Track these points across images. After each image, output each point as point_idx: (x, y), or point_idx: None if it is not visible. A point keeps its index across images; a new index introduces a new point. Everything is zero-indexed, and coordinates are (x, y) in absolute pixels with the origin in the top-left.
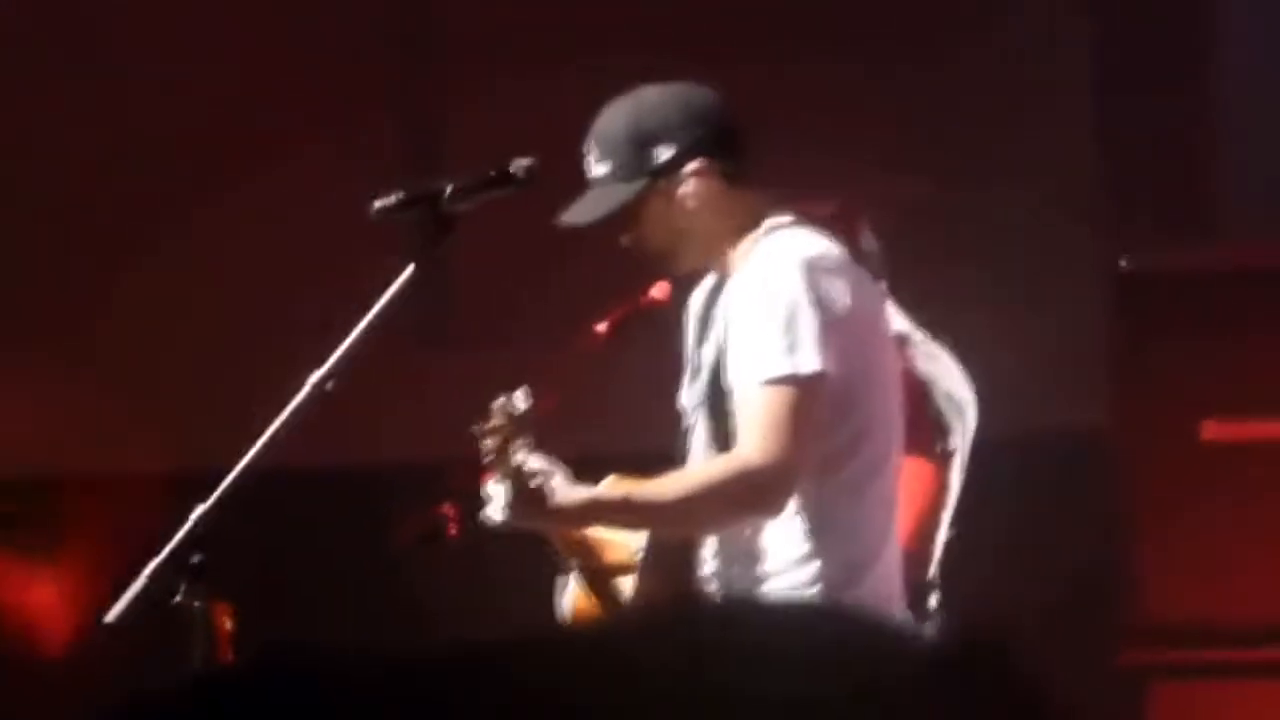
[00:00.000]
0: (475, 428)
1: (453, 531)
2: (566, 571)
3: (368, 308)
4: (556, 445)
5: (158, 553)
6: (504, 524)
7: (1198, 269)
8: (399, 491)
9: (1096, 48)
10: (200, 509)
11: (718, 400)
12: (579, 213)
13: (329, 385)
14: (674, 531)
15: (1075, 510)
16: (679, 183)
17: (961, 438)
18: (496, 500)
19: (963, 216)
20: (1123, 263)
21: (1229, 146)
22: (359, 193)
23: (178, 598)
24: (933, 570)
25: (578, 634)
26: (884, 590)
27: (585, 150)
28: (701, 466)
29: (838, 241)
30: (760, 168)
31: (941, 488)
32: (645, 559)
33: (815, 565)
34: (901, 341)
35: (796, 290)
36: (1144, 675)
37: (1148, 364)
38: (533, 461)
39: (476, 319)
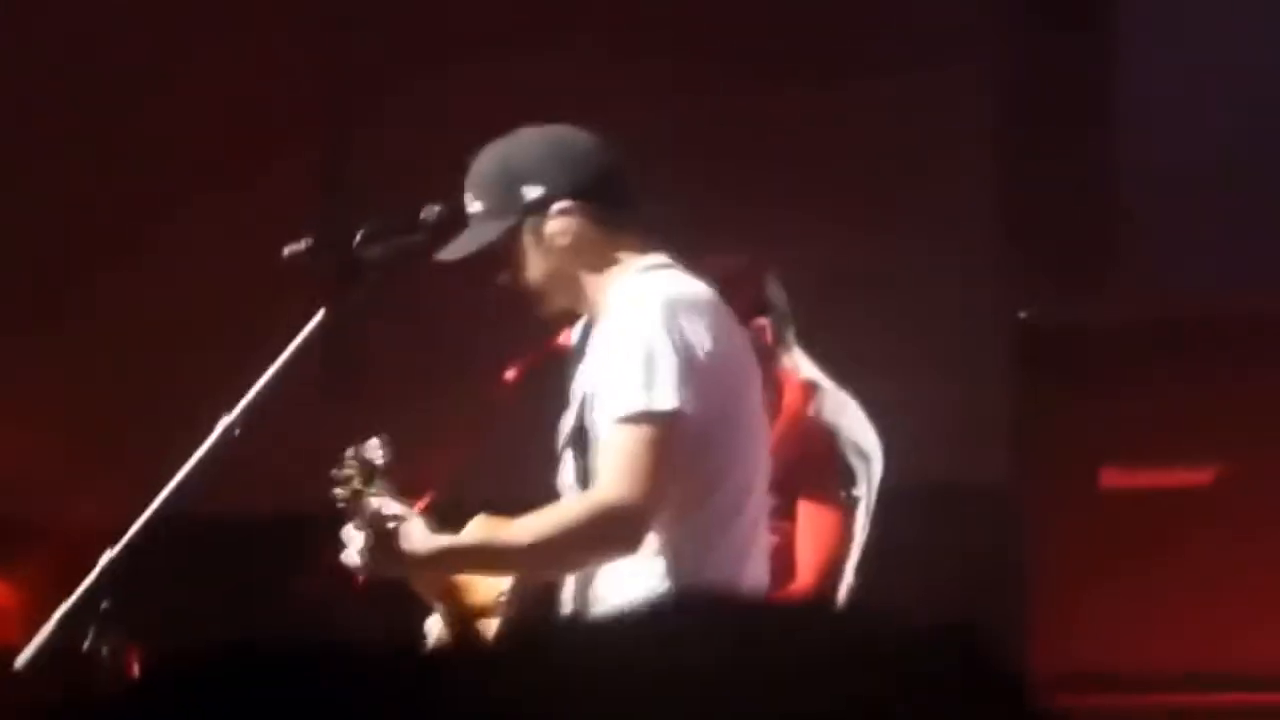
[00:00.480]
0: (333, 472)
1: (359, 581)
2: (432, 613)
3: (279, 352)
4: (467, 490)
5: (66, 599)
6: (361, 570)
7: (1096, 320)
8: (306, 539)
9: (997, 96)
10: (109, 554)
11: (581, 438)
12: (453, 249)
13: (237, 431)
14: (534, 574)
15: (975, 561)
16: (547, 222)
17: (867, 486)
18: (353, 546)
19: (863, 269)
20: (1022, 314)
21: (1130, 197)
22: (272, 232)
23: (87, 644)
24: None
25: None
26: None
27: (465, 189)
28: (558, 507)
29: (711, 284)
30: (658, 215)
31: (845, 534)
32: (509, 601)
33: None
34: (810, 390)
35: (655, 329)
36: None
37: (1048, 415)
38: (390, 507)
39: (387, 373)
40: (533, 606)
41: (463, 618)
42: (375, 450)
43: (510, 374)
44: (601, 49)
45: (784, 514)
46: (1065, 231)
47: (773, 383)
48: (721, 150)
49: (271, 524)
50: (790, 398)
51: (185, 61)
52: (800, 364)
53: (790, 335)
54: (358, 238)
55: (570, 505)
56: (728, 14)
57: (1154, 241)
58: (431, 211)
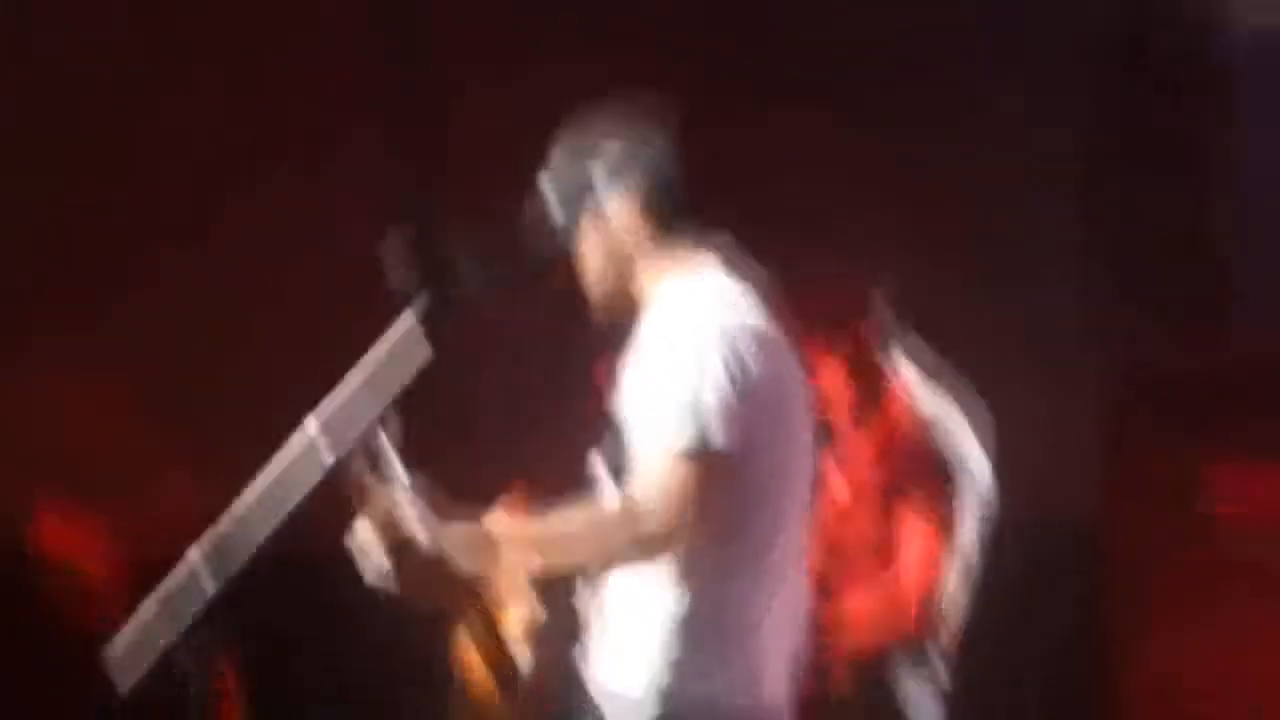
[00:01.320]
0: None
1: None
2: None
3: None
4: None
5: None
6: (386, 585)
7: (1202, 365)
8: None
9: (1108, 140)
10: (198, 547)
11: (617, 452)
12: (531, 268)
13: (329, 436)
14: (550, 564)
15: (1070, 600)
16: (611, 209)
17: (973, 494)
18: (371, 558)
19: (968, 304)
20: (1129, 359)
21: (1238, 243)
22: (355, 232)
23: (180, 654)
24: (936, 618)
25: None
26: (746, 667)
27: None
28: (594, 513)
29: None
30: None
31: (946, 537)
32: (541, 634)
33: (684, 632)
34: (915, 396)
35: (710, 359)
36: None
37: (1147, 459)
38: (404, 506)
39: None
40: (555, 604)
41: (493, 634)
42: (385, 441)
43: (600, 378)
44: (680, 38)
45: (886, 519)
46: (1173, 277)
47: (879, 388)
48: (838, 182)
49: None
50: (896, 403)
51: (254, 44)
52: (907, 371)
53: (896, 346)
54: (459, 272)
55: (604, 516)
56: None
57: (1261, 288)
58: (537, 260)
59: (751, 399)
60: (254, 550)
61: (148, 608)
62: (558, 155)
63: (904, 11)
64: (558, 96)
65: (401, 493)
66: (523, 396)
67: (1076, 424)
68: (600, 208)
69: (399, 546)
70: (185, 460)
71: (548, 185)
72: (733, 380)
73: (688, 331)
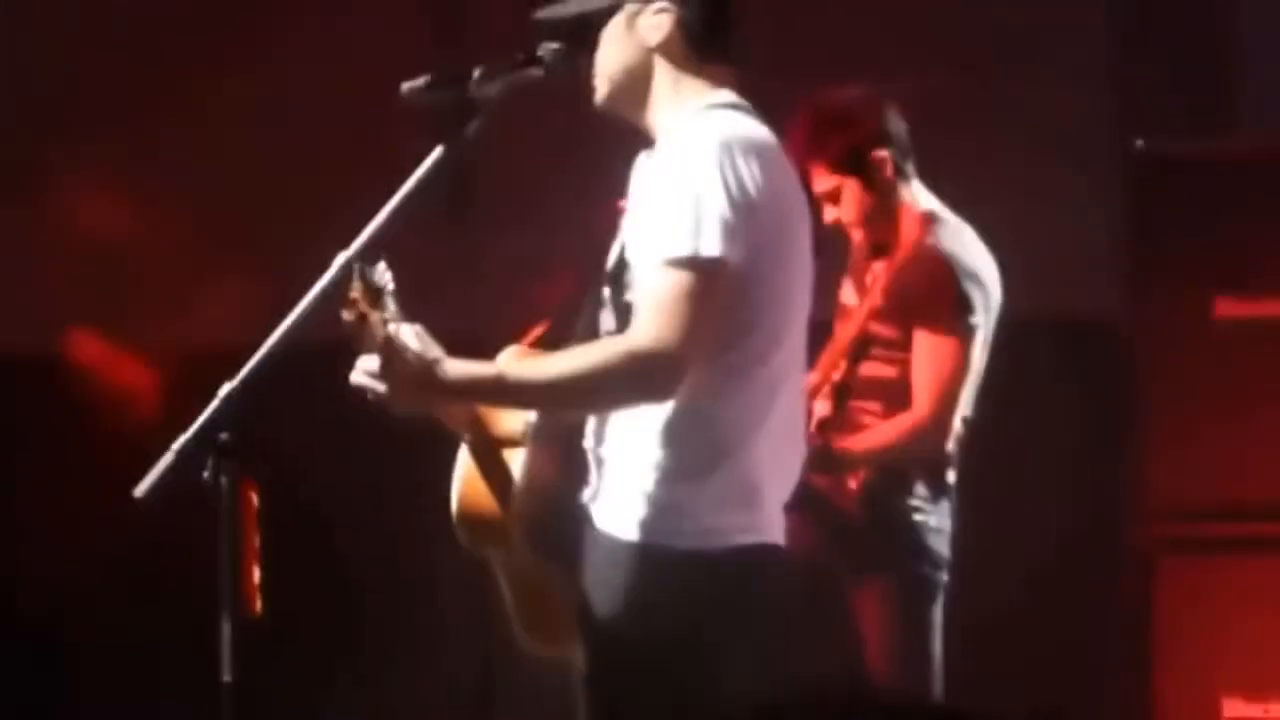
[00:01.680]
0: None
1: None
2: (455, 441)
3: (395, 188)
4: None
5: (185, 430)
6: (384, 404)
7: (1214, 153)
8: None
9: None
10: (228, 386)
11: (620, 274)
12: (554, 9)
13: (356, 266)
14: (558, 412)
15: (1087, 394)
16: (645, 14)
17: (985, 314)
18: (370, 374)
19: (974, 102)
20: (1138, 144)
21: (1250, 26)
22: (386, 69)
23: (205, 474)
24: (950, 445)
25: None
26: (742, 485)
27: None
28: (593, 346)
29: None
30: (774, 52)
31: (963, 362)
32: (535, 433)
33: (671, 451)
34: (927, 220)
35: (708, 170)
36: (1154, 551)
37: (1162, 246)
38: (406, 335)
39: (500, 200)
40: (558, 441)
41: (487, 446)
42: (383, 273)
43: (623, 203)
44: None
45: (902, 344)
46: (1183, 61)
47: (891, 214)
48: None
49: None
50: (908, 228)
51: None
52: (918, 195)
53: (909, 167)
54: (475, 75)
55: (605, 346)
56: None
57: (1274, 74)
58: (548, 49)
59: (751, 213)
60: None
61: (175, 448)
62: None
63: None
64: None
65: (399, 323)
66: (539, 233)
67: (1094, 214)
68: (640, 9)
69: (395, 361)
70: (219, 289)
71: None
72: (735, 189)
73: (690, 146)
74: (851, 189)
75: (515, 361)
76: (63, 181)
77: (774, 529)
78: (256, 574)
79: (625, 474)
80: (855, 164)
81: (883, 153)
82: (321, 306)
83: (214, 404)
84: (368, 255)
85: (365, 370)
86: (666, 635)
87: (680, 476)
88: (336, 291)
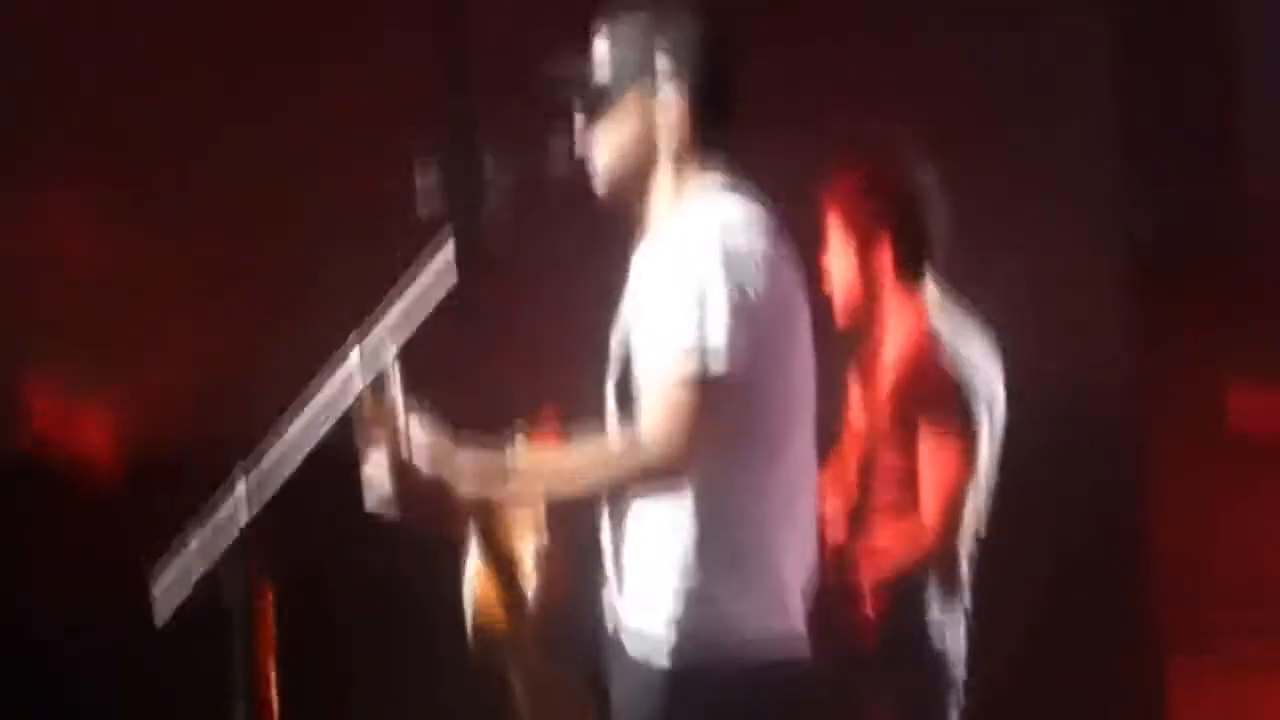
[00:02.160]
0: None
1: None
2: (466, 535)
3: (402, 254)
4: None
5: (199, 526)
6: (389, 506)
7: (1221, 238)
8: None
9: (1121, 19)
10: (246, 478)
11: (626, 370)
12: (567, 66)
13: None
14: (560, 498)
15: (1095, 478)
16: (659, 104)
17: (989, 415)
18: (375, 480)
19: (984, 186)
20: (1143, 232)
21: (1255, 116)
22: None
23: (220, 574)
24: (959, 543)
25: None
26: (768, 579)
27: (599, 26)
28: (599, 448)
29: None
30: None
31: (967, 464)
32: (547, 520)
33: (696, 547)
34: (932, 318)
35: (711, 274)
36: (1165, 644)
37: (1171, 336)
38: (414, 426)
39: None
40: (569, 542)
41: (499, 549)
42: (394, 387)
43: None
44: None
45: (907, 445)
46: (1190, 147)
47: (900, 304)
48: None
49: None
50: (912, 328)
51: None
52: (926, 290)
53: (924, 261)
54: (488, 161)
55: (613, 449)
56: None
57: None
58: (561, 140)
59: (754, 315)
60: (290, 473)
61: (191, 539)
62: (625, 20)
63: None
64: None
65: (406, 416)
66: (546, 323)
67: (1102, 305)
68: (651, 93)
69: (401, 468)
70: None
71: (603, 42)
72: (734, 300)
73: (689, 246)
74: (858, 271)
75: (527, 453)
76: (61, 226)
77: (796, 623)
78: (273, 676)
79: (650, 573)
80: (868, 250)
81: (903, 239)
82: (337, 403)
83: (233, 496)
84: (383, 341)
85: (374, 464)
86: None
87: (707, 574)
88: (351, 391)
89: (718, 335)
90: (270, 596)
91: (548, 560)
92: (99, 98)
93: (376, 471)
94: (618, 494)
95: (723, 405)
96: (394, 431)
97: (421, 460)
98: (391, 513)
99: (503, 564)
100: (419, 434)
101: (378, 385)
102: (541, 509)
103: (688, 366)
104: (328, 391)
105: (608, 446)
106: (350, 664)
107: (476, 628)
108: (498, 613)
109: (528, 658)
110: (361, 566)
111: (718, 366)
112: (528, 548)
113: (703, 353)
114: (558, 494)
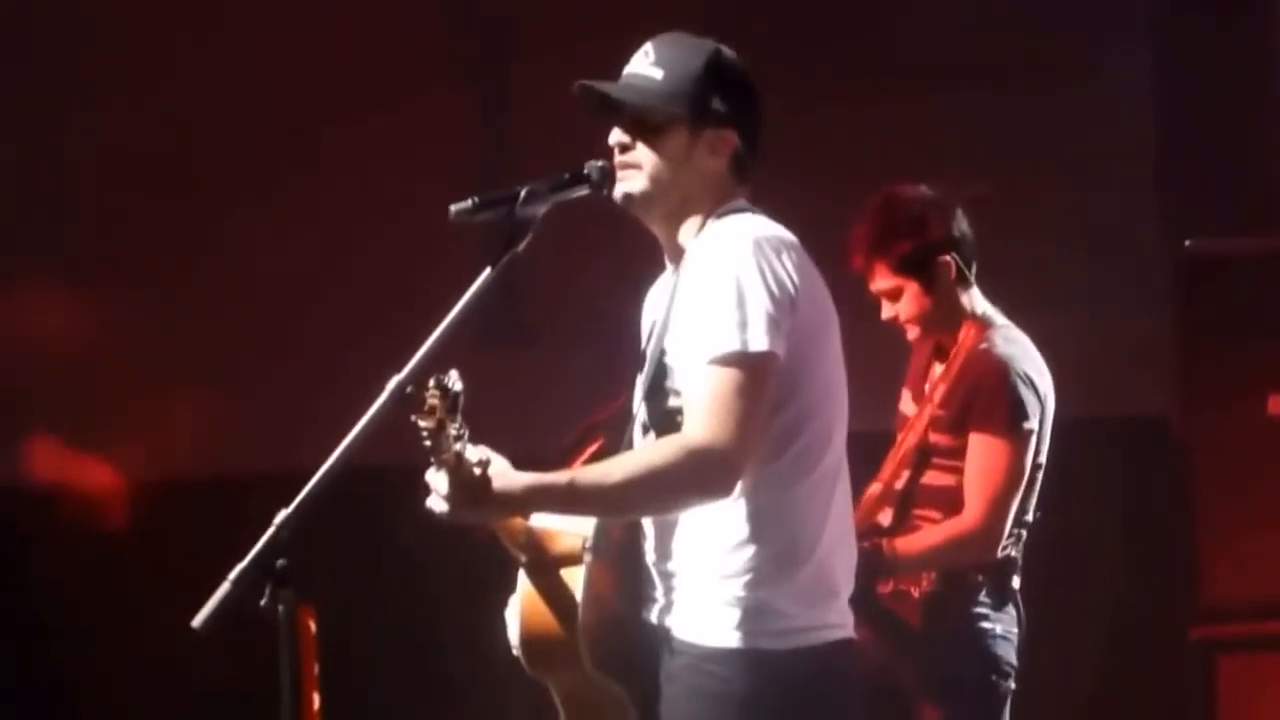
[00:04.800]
0: (413, 418)
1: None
2: (513, 564)
3: (444, 307)
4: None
5: (242, 557)
6: (447, 516)
7: (1263, 251)
8: None
9: (1159, 32)
10: (283, 513)
11: (659, 380)
12: (612, 88)
13: (409, 389)
14: (619, 516)
15: (1140, 492)
16: (709, 138)
17: (1040, 419)
18: (437, 490)
19: (1023, 205)
20: (1187, 244)
21: None
22: (435, 189)
23: (263, 602)
24: (1013, 550)
25: None
26: (821, 579)
27: (646, 47)
28: (648, 449)
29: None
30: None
31: (1017, 467)
32: (595, 548)
33: (750, 553)
34: (983, 326)
35: (747, 267)
36: (1212, 650)
37: (1212, 346)
38: (471, 450)
39: (545, 318)
40: (618, 554)
41: (546, 565)
42: (456, 380)
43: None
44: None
45: (961, 452)
46: (1228, 164)
47: (950, 318)
48: (874, 88)
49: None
50: (965, 333)
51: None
52: (976, 301)
53: (971, 273)
54: (521, 196)
55: (660, 448)
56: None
57: None
58: (594, 167)
59: (792, 307)
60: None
61: (232, 577)
62: (692, 50)
63: None
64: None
65: (464, 441)
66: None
67: (1145, 315)
68: (701, 127)
69: (464, 484)
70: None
71: (653, 60)
72: (775, 284)
73: (722, 248)
74: (913, 290)
75: (573, 470)
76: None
77: (850, 623)
78: (316, 701)
79: (702, 583)
80: (920, 266)
81: (947, 258)
82: (378, 430)
83: (270, 531)
84: (420, 378)
85: (435, 488)
86: None
87: (765, 578)
88: (388, 415)
89: (759, 318)
90: (311, 622)
91: (599, 570)
92: (155, 154)
93: (437, 486)
94: (671, 499)
95: (767, 387)
96: (457, 454)
97: (482, 476)
98: (450, 522)
99: (550, 575)
100: (476, 453)
101: (450, 400)
102: (592, 519)
103: (730, 346)
104: (364, 421)
105: (658, 450)
106: (383, 686)
107: (525, 641)
108: (548, 624)
109: (578, 669)
110: (391, 589)
111: (759, 344)
112: (579, 558)
113: (744, 333)
114: (618, 504)
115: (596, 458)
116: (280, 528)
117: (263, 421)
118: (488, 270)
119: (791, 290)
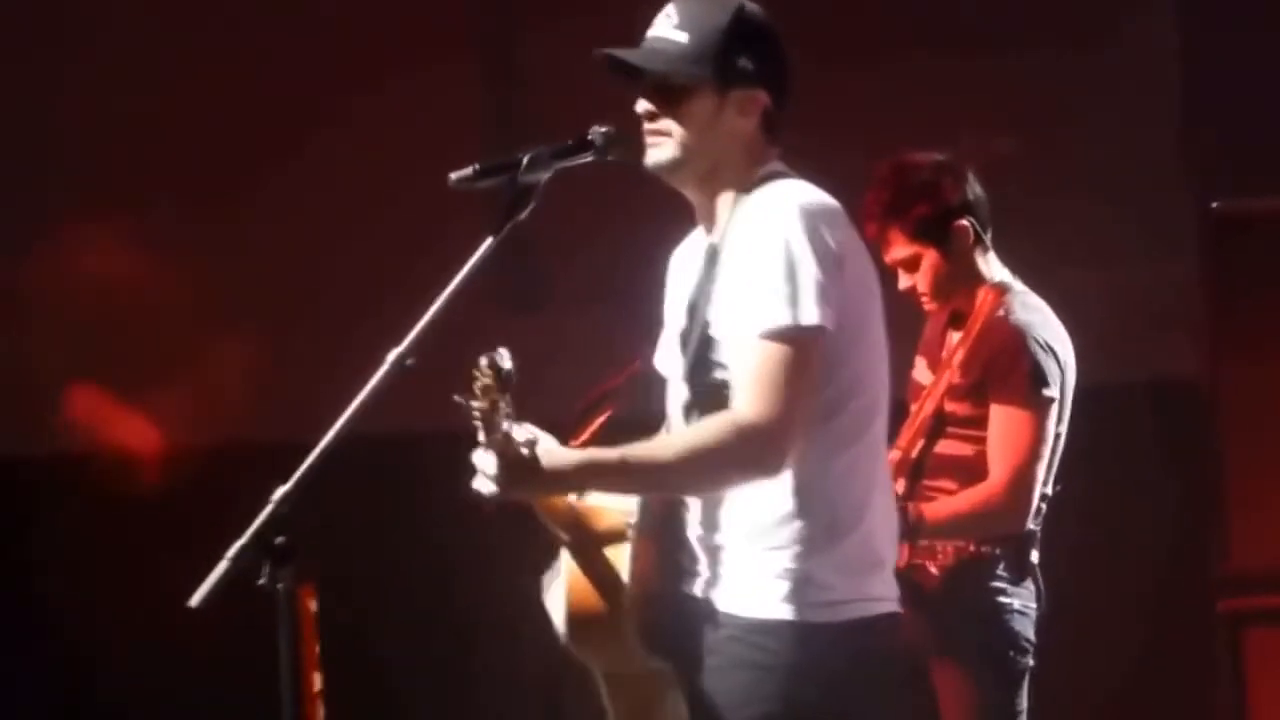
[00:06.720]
0: (457, 398)
1: (490, 508)
2: (556, 545)
3: (446, 276)
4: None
5: (240, 533)
6: (495, 496)
7: None
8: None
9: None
10: (281, 490)
11: (704, 353)
12: (635, 55)
13: (409, 361)
14: (670, 494)
15: (1169, 457)
16: (737, 99)
17: (1060, 386)
18: (485, 470)
19: (1050, 164)
20: (1214, 204)
21: None
22: (439, 154)
23: (261, 580)
24: (1032, 523)
25: None
26: (866, 551)
27: (668, 9)
28: (698, 427)
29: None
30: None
31: (1038, 434)
32: (639, 524)
33: (796, 525)
34: (1001, 292)
35: (795, 236)
36: (1240, 621)
37: (1240, 306)
38: (517, 430)
39: (556, 279)
40: (662, 531)
41: (589, 544)
42: (506, 358)
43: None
44: None
45: (978, 422)
46: (1257, 123)
47: (967, 285)
48: (899, 46)
49: (446, 446)
50: (982, 300)
51: None
52: (992, 266)
53: (987, 237)
54: (523, 163)
55: (711, 424)
56: None
57: None
58: (598, 132)
59: (840, 274)
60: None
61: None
62: (717, 10)
63: None
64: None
65: (511, 420)
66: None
67: (1172, 275)
68: (728, 88)
69: (514, 465)
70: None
71: (675, 22)
72: (820, 257)
73: (768, 218)
74: (930, 257)
75: (621, 448)
76: (115, 257)
77: (896, 596)
78: (317, 681)
79: (748, 556)
80: (936, 232)
81: (964, 222)
82: (378, 403)
83: (268, 508)
84: (418, 351)
85: (482, 469)
86: (813, 710)
87: (811, 550)
88: (387, 389)
89: (809, 290)
90: (311, 600)
91: (643, 546)
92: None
93: (485, 464)
94: (722, 477)
95: (817, 361)
96: (506, 433)
97: (530, 456)
98: (496, 501)
99: (594, 554)
100: (523, 432)
101: (503, 380)
102: (636, 497)
103: (781, 321)
104: (363, 395)
105: (707, 428)
106: (391, 663)
107: (572, 621)
108: (593, 602)
109: (623, 646)
110: (400, 565)
111: (810, 318)
112: (623, 535)
113: (794, 306)
114: (670, 481)
115: (604, 428)
116: (279, 504)
117: (270, 394)
118: (489, 239)
119: (840, 259)
